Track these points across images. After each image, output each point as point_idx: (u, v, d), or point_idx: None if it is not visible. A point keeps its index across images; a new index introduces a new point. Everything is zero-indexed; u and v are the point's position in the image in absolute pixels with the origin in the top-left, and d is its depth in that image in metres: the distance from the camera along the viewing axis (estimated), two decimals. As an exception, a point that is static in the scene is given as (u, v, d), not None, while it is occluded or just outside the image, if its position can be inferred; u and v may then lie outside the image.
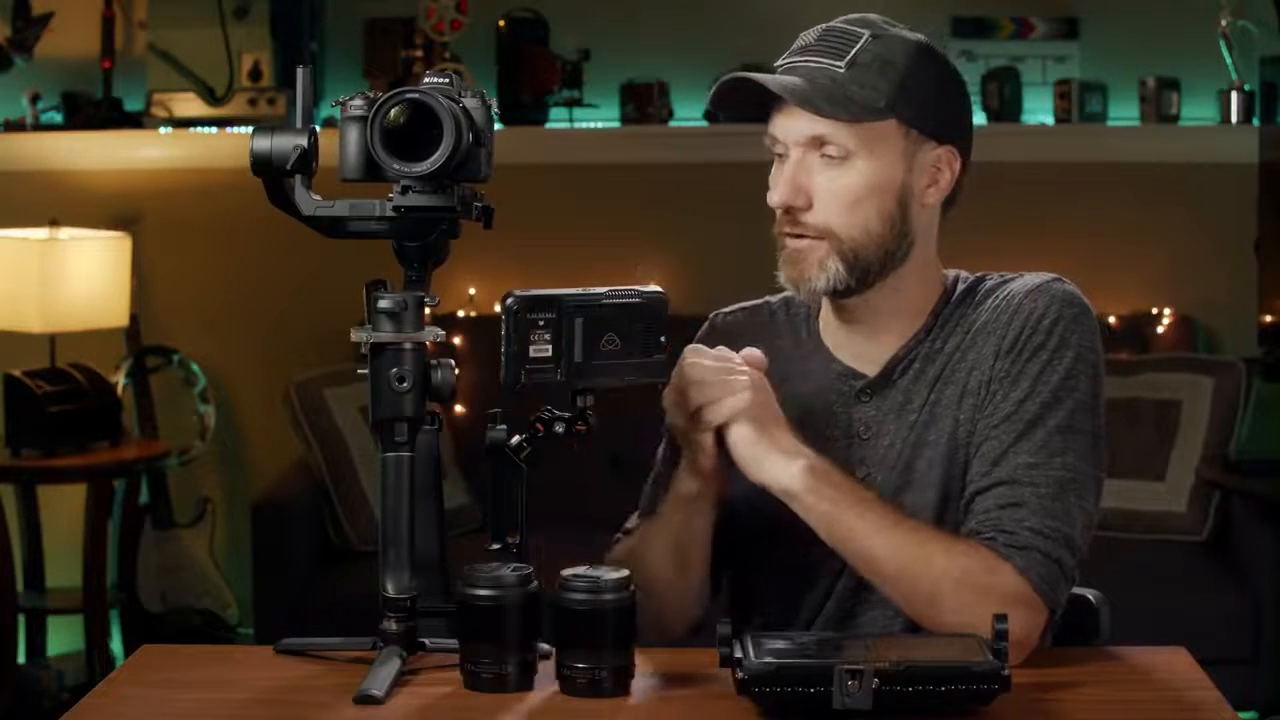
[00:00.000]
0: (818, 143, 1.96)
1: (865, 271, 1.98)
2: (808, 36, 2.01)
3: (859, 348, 2.06)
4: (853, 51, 1.96)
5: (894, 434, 2.02)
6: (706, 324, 2.18)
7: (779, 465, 1.91)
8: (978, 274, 2.08)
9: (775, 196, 1.99)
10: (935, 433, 1.99)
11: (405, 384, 1.80)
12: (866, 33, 1.98)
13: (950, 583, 1.86)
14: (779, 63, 2.01)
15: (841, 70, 1.95)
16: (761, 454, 1.91)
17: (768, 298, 2.15)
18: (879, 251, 1.98)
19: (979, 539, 1.90)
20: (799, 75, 1.97)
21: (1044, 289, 2.00)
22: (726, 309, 2.18)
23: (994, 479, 1.93)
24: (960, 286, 2.06)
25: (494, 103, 1.84)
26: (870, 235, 1.97)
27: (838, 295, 2.01)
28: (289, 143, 1.79)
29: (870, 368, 2.05)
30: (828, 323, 2.09)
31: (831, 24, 2.01)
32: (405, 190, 1.80)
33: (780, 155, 2.00)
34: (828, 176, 1.97)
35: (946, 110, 2.01)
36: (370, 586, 1.86)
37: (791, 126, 1.98)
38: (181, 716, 1.78)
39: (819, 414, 2.04)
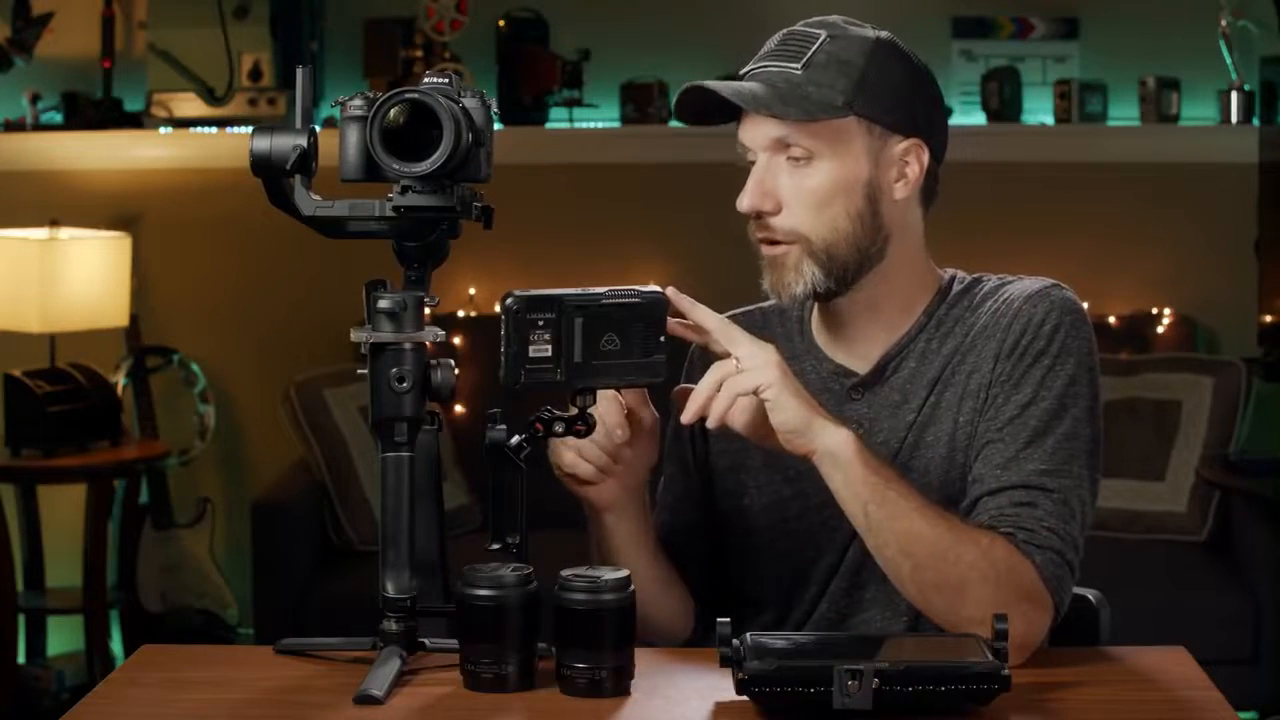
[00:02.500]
0: (781, 145, 1.96)
1: (843, 271, 1.98)
2: (771, 42, 2.02)
3: (850, 346, 2.05)
4: (809, 52, 1.96)
5: (889, 432, 2.01)
6: None
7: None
8: (974, 274, 2.08)
9: (743, 201, 1.98)
10: (934, 434, 1.99)
11: (405, 384, 1.80)
12: (824, 33, 1.98)
13: (979, 575, 1.85)
14: (744, 69, 2.01)
15: (798, 72, 1.96)
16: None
17: (760, 305, 2.14)
18: (852, 250, 1.97)
19: (999, 533, 1.89)
20: (759, 80, 1.97)
21: (1044, 294, 1.99)
22: None
23: (1005, 482, 1.92)
24: (956, 286, 2.06)
25: (494, 103, 1.84)
26: (840, 234, 1.97)
27: (820, 298, 2.01)
28: (289, 143, 1.78)
29: (862, 365, 2.04)
30: (819, 324, 2.09)
31: (793, 28, 2.01)
32: (405, 190, 1.79)
33: (752, 161, 2.00)
34: (794, 178, 1.96)
35: (911, 104, 2.00)
36: (370, 586, 1.85)
37: (755, 131, 1.98)
38: (181, 716, 1.78)
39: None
